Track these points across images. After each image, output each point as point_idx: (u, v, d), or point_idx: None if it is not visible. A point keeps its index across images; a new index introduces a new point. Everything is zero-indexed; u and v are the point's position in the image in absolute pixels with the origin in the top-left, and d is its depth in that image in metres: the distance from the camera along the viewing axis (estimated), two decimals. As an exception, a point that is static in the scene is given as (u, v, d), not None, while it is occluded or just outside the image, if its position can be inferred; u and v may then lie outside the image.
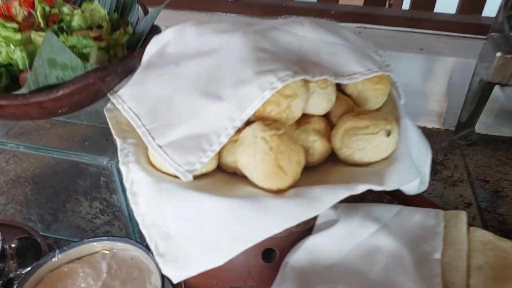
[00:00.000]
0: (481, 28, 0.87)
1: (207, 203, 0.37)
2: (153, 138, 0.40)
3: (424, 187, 0.49)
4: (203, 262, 0.37)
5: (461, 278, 0.43)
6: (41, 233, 0.60)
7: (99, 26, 0.61)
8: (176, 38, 0.50)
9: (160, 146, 0.39)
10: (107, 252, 0.54)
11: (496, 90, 0.78)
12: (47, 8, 0.56)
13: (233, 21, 0.52)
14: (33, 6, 0.56)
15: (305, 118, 0.43)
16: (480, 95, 0.77)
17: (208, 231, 0.37)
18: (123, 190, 0.55)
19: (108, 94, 0.48)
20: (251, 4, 0.93)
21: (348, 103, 0.46)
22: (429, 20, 0.89)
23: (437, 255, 0.44)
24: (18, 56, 0.50)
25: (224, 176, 0.42)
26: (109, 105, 0.48)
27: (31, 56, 0.51)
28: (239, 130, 0.40)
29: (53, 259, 0.48)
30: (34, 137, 0.62)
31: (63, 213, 0.70)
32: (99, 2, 0.69)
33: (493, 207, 0.71)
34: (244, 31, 0.45)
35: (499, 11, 0.64)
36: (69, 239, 0.66)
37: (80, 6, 0.66)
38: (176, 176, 0.39)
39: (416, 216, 0.47)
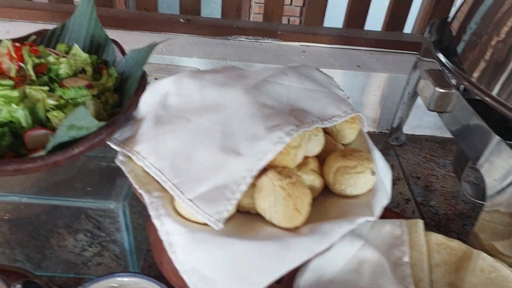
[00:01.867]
0: (405, 44, 1.02)
1: (238, 246, 0.44)
2: (182, 193, 0.46)
3: (388, 200, 0.60)
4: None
5: (425, 275, 0.56)
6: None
7: (82, 71, 0.63)
8: (176, 89, 0.55)
9: (190, 200, 0.45)
10: (117, 286, 0.58)
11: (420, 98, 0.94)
12: (36, 60, 0.57)
13: (225, 71, 0.58)
14: (22, 59, 0.56)
15: (302, 160, 0.52)
16: (408, 104, 0.91)
17: (241, 269, 0.44)
18: (127, 228, 0.60)
19: (120, 148, 0.52)
20: (202, 25, 0.98)
21: (331, 141, 0.56)
22: (361, 38, 1.02)
23: (406, 259, 0.56)
24: (21, 115, 0.52)
25: (242, 216, 0.49)
26: (121, 157, 0.52)
27: (31, 112, 0.53)
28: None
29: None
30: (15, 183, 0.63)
31: (49, 249, 0.71)
32: (68, 41, 0.70)
33: (426, 200, 0.86)
34: (244, 87, 0.52)
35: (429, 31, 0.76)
36: (64, 275, 0.68)
37: (54, 48, 0.66)
38: (205, 224, 0.46)
39: (386, 227, 0.59)
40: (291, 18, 2.58)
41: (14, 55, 0.55)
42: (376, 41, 1.01)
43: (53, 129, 0.54)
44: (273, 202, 0.45)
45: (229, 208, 0.45)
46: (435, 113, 0.69)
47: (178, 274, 0.44)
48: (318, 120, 0.52)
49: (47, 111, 0.55)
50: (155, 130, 0.51)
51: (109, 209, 0.57)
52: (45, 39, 0.70)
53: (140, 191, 0.48)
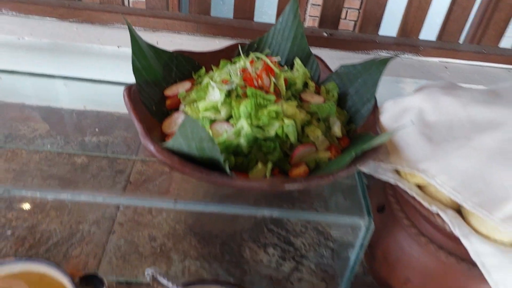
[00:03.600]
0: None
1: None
2: (490, 212, 0.45)
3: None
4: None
5: None
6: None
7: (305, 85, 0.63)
8: (432, 107, 0.55)
9: (502, 220, 0.45)
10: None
11: None
12: (283, 74, 0.57)
13: (479, 92, 0.57)
14: (273, 73, 0.56)
15: None
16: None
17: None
18: (362, 247, 0.59)
19: (407, 171, 0.52)
20: (343, 39, 0.98)
21: None
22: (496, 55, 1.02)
23: None
24: (290, 130, 0.51)
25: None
26: (390, 174, 0.52)
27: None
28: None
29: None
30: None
31: (246, 264, 0.70)
32: (266, 54, 0.69)
33: None
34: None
35: None
36: (270, 291, 0.67)
37: (247, 55, 0.64)
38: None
39: None
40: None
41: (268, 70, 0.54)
42: (513, 58, 1.01)
43: (314, 145, 0.53)
44: None
45: (536, 228, 0.45)
46: None
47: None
48: None
49: (302, 126, 0.55)
50: (432, 149, 0.51)
51: (353, 224, 0.56)
52: (244, 52, 0.70)
53: (435, 207, 0.48)
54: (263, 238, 0.75)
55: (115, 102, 0.83)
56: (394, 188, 0.60)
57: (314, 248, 0.75)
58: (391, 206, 0.59)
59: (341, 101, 0.63)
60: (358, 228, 0.57)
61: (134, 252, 0.70)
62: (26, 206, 0.76)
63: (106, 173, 0.84)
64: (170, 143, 0.46)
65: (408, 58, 1.01)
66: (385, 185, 0.63)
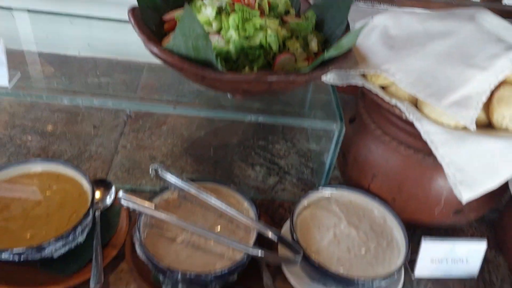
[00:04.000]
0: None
1: (488, 142, 0.53)
2: (438, 100, 0.55)
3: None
4: (487, 186, 0.54)
5: None
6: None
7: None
8: (394, 23, 0.64)
9: (446, 106, 0.54)
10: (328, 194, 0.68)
11: None
12: (266, -4, 0.66)
13: (436, 12, 0.66)
14: (255, -5, 0.64)
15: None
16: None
17: (490, 161, 0.54)
18: (335, 149, 0.68)
19: (371, 72, 0.61)
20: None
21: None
22: None
23: None
24: (273, 40, 0.60)
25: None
26: (358, 78, 0.61)
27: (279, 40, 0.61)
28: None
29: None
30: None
31: (236, 177, 0.80)
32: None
33: None
34: (465, 19, 0.61)
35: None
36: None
37: None
38: (454, 126, 0.55)
39: None
40: None
41: (253, -9, 0.63)
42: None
43: (293, 55, 0.62)
44: (514, 109, 0.55)
45: (476, 114, 0.54)
46: None
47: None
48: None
49: (283, 41, 0.63)
50: (393, 54, 0.60)
51: (328, 128, 0.66)
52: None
53: (393, 102, 0.57)
54: (251, 159, 0.84)
55: (115, 41, 0.92)
56: (364, 101, 0.70)
57: (296, 168, 0.84)
58: (362, 116, 0.69)
59: (318, 26, 0.72)
60: (332, 132, 0.67)
61: (137, 168, 0.79)
62: (39, 129, 0.84)
63: (108, 108, 0.92)
64: (170, 43, 0.54)
65: (383, 8, 1.10)
66: (357, 101, 0.72)
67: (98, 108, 0.93)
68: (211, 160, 0.83)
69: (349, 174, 0.71)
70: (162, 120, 0.91)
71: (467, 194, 0.54)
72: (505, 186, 0.60)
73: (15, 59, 0.82)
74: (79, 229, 0.57)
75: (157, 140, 0.85)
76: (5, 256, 0.53)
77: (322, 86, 0.73)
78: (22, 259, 0.53)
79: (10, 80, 0.63)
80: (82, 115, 0.90)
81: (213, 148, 0.86)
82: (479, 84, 0.55)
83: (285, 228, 0.67)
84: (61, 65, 1.03)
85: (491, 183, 0.54)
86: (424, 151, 0.60)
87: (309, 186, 0.79)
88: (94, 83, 1.00)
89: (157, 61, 0.80)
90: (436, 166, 0.59)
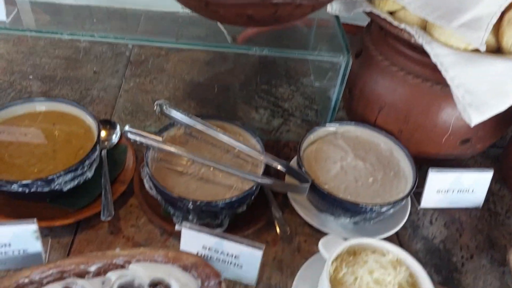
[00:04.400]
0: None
1: (499, 63, 0.53)
2: (448, 22, 0.53)
3: None
4: (496, 109, 0.53)
5: None
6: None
7: None
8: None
9: (457, 27, 0.53)
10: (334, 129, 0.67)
11: None
12: None
13: None
14: None
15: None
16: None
17: (499, 82, 0.53)
18: (342, 82, 0.67)
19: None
20: None
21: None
22: None
23: None
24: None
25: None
26: (365, 5, 0.60)
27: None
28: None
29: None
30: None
31: (240, 120, 0.79)
32: None
33: None
34: None
35: None
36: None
37: None
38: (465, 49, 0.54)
39: None
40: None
41: None
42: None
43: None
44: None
45: (486, 35, 0.53)
46: None
47: None
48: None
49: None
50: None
51: (335, 60, 0.64)
52: None
53: (402, 26, 0.56)
54: (255, 102, 0.84)
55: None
56: (371, 34, 0.68)
57: (300, 110, 0.83)
58: (368, 49, 0.68)
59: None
60: (339, 65, 0.65)
61: (140, 110, 0.78)
62: (39, 75, 0.83)
63: (107, 55, 0.91)
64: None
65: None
66: (363, 35, 0.71)
67: (97, 53, 0.91)
68: (214, 103, 0.82)
69: (355, 110, 0.71)
70: (162, 65, 0.89)
71: (476, 117, 0.53)
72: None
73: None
74: (87, 163, 0.57)
75: (159, 85, 0.84)
76: (14, 188, 0.53)
77: (327, 26, 0.72)
78: (31, 190, 0.53)
79: (8, 16, 0.61)
80: (81, 61, 0.88)
81: (216, 91, 0.85)
82: (489, 5, 0.54)
83: (292, 163, 0.67)
84: (56, 13, 1.00)
85: (500, 106, 0.54)
86: (433, 79, 0.60)
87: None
88: (92, 30, 0.98)
89: (154, 8, 0.80)
90: (445, 95, 0.59)
